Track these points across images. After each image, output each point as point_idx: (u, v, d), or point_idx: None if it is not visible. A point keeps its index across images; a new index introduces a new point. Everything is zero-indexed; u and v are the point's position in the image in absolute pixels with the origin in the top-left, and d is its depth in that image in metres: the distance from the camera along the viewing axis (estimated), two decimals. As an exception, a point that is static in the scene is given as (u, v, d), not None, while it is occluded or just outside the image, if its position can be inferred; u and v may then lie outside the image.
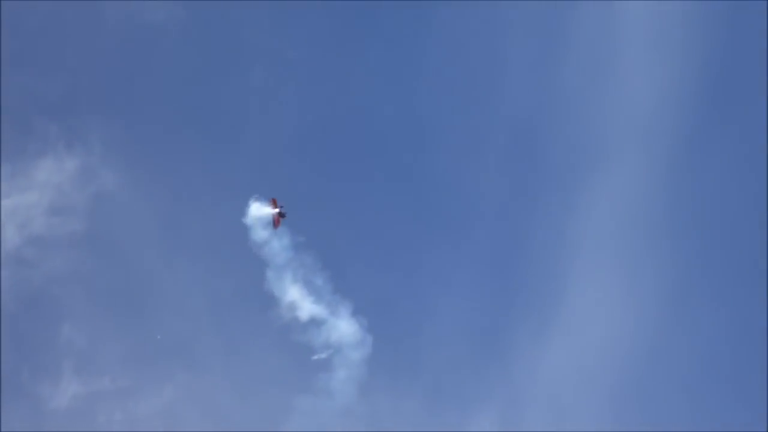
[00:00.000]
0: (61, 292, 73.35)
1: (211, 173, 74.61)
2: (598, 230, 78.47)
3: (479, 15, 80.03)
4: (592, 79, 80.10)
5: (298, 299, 72.16)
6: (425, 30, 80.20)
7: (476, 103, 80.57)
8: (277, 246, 72.36)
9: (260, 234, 72.39)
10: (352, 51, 79.63)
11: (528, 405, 75.63)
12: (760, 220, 76.82)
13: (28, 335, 72.94)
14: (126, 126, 76.14)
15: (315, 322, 72.37)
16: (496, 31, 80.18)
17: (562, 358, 76.15)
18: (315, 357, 72.24)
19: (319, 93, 79.37)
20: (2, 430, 69.32)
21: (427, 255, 77.96)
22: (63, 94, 75.81)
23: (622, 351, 76.17)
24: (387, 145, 79.61)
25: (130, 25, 77.24)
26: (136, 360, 73.33)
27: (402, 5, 79.80)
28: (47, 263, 73.09)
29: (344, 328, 72.37)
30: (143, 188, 75.53)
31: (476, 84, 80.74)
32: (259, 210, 71.89)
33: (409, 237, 78.24)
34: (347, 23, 79.77)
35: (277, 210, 72.06)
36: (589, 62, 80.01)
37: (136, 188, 75.27)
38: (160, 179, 76.00)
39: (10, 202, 73.27)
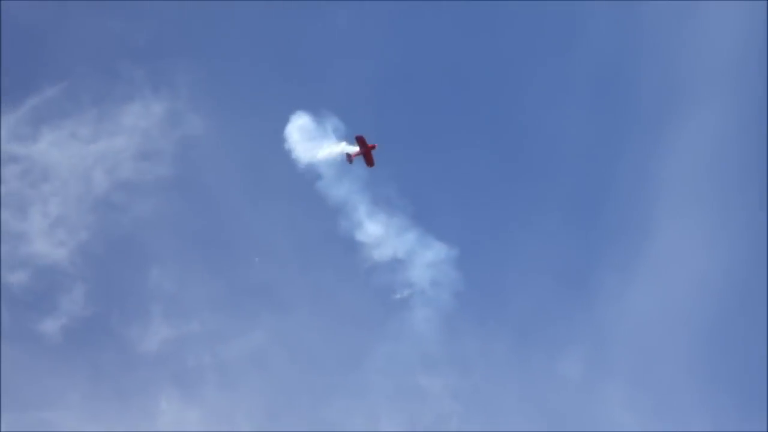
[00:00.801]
0: (149, 237, 73.98)
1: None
2: (684, 171, 77.75)
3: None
4: (678, 18, 79.32)
5: (384, 238, 72.03)
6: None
7: (561, 44, 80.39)
8: (361, 185, 72.19)
9: (345, 173, 72.34)
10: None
11: (614, 346, 75.21)
12: None
13: (117, 279, 73.61)
14: (212, 69, 76.43)
15: (400, 262, 72.31)
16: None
17: (648, 300, 75.62)
18: (398, 296, 72.08)
19: (404, 37, 79.49)
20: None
21: (514, 197, 77.89)
22: (149, 38, 76.34)
23: (710, 293, 75.38)
24: (473, 89, 79.58)
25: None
26: (223, 303, 73.61)
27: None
28: (136, 208, 73.69)
29: (430, 268, 72.22)
30: (229, 132, 75.84)
31: (560, 25, 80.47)
32: (346, 149, 71.60)
33: (495, 178, 78.21)
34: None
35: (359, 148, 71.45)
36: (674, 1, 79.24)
37: (222, 132, 75.59)
38: (246, 122, 76.22)
39: (99, 147, 73.88)
